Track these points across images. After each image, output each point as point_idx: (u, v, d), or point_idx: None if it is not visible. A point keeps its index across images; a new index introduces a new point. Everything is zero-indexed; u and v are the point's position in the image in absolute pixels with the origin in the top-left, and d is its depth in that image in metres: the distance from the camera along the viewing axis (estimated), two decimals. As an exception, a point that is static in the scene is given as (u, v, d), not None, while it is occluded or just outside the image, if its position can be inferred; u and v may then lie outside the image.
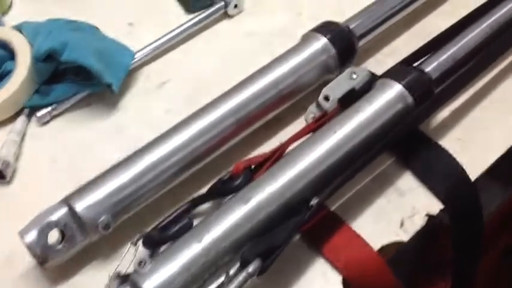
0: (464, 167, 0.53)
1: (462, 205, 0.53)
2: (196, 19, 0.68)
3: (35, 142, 0.58)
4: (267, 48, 0.66)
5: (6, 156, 0.54)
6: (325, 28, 0.60)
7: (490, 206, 0.67)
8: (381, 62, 0.64)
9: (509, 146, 0.56)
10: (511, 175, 0.65)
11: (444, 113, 0.59)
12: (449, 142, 0.56)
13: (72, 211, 0.46)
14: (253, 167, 0.52)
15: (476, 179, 0.54)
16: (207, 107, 0.54)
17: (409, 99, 0.53)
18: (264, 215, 0.46)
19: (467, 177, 0.53)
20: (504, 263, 0.82)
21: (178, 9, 0.71)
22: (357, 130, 0.52)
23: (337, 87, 0.55)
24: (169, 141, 0.52)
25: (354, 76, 0.56)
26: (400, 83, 0.54)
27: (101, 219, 0.46)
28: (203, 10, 0.69)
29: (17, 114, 0.59)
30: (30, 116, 0.59)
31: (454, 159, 0.54)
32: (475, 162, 0.55)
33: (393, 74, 0.55)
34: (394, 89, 0.54)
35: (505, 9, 0.60)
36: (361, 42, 0.62)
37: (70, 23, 0.61)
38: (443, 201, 0.52)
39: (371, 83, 0.56)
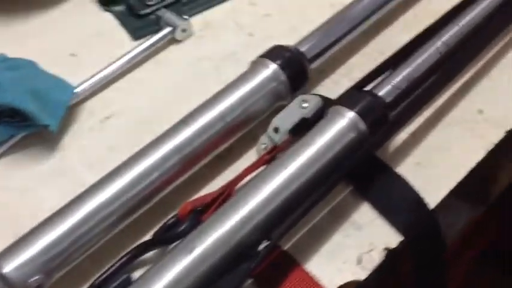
0: (423, 193, 0.51)
1: (422, 236, 0.50)
2: (143, 46, 0.65)
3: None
4: (216, 74, 0.63)
5: None
6: (275, 53, 0.57)
7: (457, 225, 0.64)
8: (337, 82, 0.62)
9: (470, 168, 0.54)
10: (477, 193, 0.62)
11: (402, 136, 0.56)
12: (408, 167, 0.54)
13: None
14: (200, 208, 0.49)
15: (443, 200, 0.52)
16: (148, 145, 0.51)
17: (362, 126, 0.50)
18: (210, 266, 0.43)
19: (425, 206, 0.50)
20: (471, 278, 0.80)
21: (124, 36, 0.67)
22: (309, 164, 0.49)
23: (287, 118, 0.52)
24: (109, 186, 0.48)
25: (305, 105, 0.53)
26: (352, 110, 0.51)
27: (32, 279, 0.43)
28: (149, 36, 0.65)
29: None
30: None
31: (411, 188, 0.51)
32: (435, 186, 0.52)
33: (345, 100, 0.52)
34: (346, 117, 0.51)
35: (460, 25, 0.57)
36: (314, 65, 0.59)
37: (3, 61, 0.58)
38: (402, 233, 0.50)
39: (323, 110, 0.53)
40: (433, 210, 0.50)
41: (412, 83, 0.54)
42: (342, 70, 0.63)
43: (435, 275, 0.53)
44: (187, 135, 0.51)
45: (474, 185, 0.60)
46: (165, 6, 0.68)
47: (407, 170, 0.53)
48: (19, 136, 0.56)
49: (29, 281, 0.43)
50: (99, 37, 0.67)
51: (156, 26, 0.66)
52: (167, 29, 0.65)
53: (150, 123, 0.58)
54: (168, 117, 0.53)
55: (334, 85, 0.61)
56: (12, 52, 0.61)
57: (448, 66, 0.56)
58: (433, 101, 0.56)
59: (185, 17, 0.66)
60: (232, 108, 0.53)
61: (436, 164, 0.54)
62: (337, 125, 0.51)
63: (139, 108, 0.60)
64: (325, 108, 0.53)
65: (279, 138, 0.52)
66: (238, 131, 0.54)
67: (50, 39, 0.67)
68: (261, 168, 0.50)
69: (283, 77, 0.55)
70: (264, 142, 0.53)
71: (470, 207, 0.62)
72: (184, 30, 0.66)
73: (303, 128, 0.52)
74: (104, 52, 0.65)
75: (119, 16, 0.69)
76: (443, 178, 0.53)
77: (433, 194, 0.52)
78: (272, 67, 0.55)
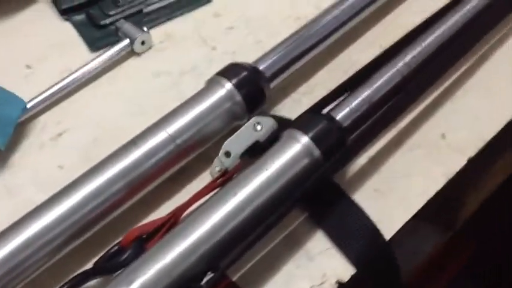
0: (380, 222, 0.49)
1: (375, 268, 0.48)
2: (100, 58, 0.62)
3: None
4: (176, 90, 0.61)
5: None
6: (231, 71, 0.55)
7: (424, 250, 0.63)
8: (299, 101, 0.60)
9: (430, 196, 0.52)
10: (444, 218, 0.61)
11: (361, 160, 0.54)
12: (366, 194, 0.52)
13: None
14: (145, 236, 0.47)
15: (409, 225, 0.50)
16: (94, 168, 0.49)
17: (317, 152, 0.49)
18: (149, 301, 0.41)
19: (380, 237, 0.48)
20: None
21: (83, 48, 0.65)
22: (260, 190, 0.47)
23: (239, 141, 0.50)
24: (50, 210, 0.46)
25: (258, 127, 0.51)
26: (306, 134, 0.49)
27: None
28: (108, 48, 0.63)
29: None
30: None
31: (366, 218, 0.49)
32: (392, 215, 0.51)
33: (300, 123, 0.50)
34: (301, 142, 0.49)
35: (423, 45, 0.56)
36: (275, 83, 0.57)
37: None
38: (355, 265, 0.48)
39: (278, 133, 0.51)
40: (387, 242, 0.48)
41: (372, 106, 0.53)
42: (304, 88, 0.61)
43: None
44: (135, 157, 0.49)
45: (441, 210, 0.59)
46: (126, 17, 0.66)
47: (365, 196, 0.52)
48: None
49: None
50: (56, 48, 0.65)
51: (115, 37, 0.64)
52: (125, 41, 0.63)
53: (104, 141, 0.56)
54: (123, 135, 0.51)
55: (295, 104, 0.59)
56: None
57: (410, 88, 0.54)
58: (394, 124, 0.54)
59: (145, 28, 0.64)
60: (184, 130, 0.51)
61: (395, 191, 0.52)
62: (291, 150, 0.49)
63: (93, 125, 0.58)
64: (281, 130, 0.51)
65: (230, 162, 0.50)
66: (190, 153, 0.52)
67: (5, 49, 0.64)
68: (211, 194, 0.48)
69: (238, 97, 0.53)
70: (217, 165, 0.51)
71: (437, 232, 0.61)
72: (143, 43, 0.63)
73: (257, 152, 0.50)
74: (60, 64, 0.62)
75: (78, 26, 0.67)
76: (401, 206, 0.51)
77: (390, 223, 0.50)
78: (227, 86, 0.53)
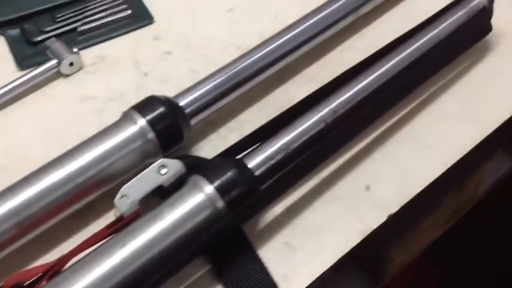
0: (284, 279, 0.47)
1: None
2: (24, 78, 0.60)
3: None
4: (98, 117, 0.58)
5: None
6: (148, 106, 0.52)
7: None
8: (225, 137, 0.57)
9: (344, 253, 0.49)
10: (370, 272, 0.58)
11: (277, 209, 0.51)
12: (275, 246, 0.49)
13: None
14: (28, 283, 0.44)
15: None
16: (-16, 205, 0.46)
17: (220, 204, 0.46)
18: None
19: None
20: None
21: (11, 65, 0.62)
22: (152, 242, 0.44)
23: (140, 185, 0.47)
24: None
25: (163, 171, 0.48)
26: (211, 183, 0.46)
27: None
28: (35, 67, 0.60)
29: None
30: None
31: (267, 274, 0.46)
32: (300, 272, 0.48)
33: (207, 170, 0.47)
34: (204, 192, 0.46)
35: (352, 92, 0.52)
36: (195, 120, 0.54)
37: None
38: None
39: (186, 177, 0.48)
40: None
41: (289, 154, 0.49)
42: (232, 124, 0.58)
43: None
44: (27, 196, 0.46)
45: (366, 264, 0.56)
46: (60, 35, 0.63)
47: (274, 249, 0.49)
48: None
49: None
50: (-16, 64, 0.62)
51: (43, 56, 0.61)
52: (53, 61, 0.60)
53: (10, 171, 0.53)
54: (31, 166, 0.48)
55: (221, 141, 0.56)
56: None
57: (334, 136, 0.51)
58: (315, 173, 0.51)
59: (75, 49, 0.61)
60: (85, 169, 0.48)
61: (307, 246, 0.49)
62: (192, 199, 0.46)
63: (5, 151, 0.55)
64: (190, 174, 0.48)
65: (127, 208, 0.47)
66: (93, 192, 0.50)
67: None
68: (103, 241, 0.45)
69: (151, 134, 0.50)
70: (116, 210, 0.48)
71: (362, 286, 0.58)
72: (71, 64, 0.61)
73: (164, 196, 0.47)
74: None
75: (11, 41, 0.64)
76: (311, 263, 0.48)
77: (296, 280, 0.47)
78: (140, 123, 0.50)
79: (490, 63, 0.61)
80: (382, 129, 0.55)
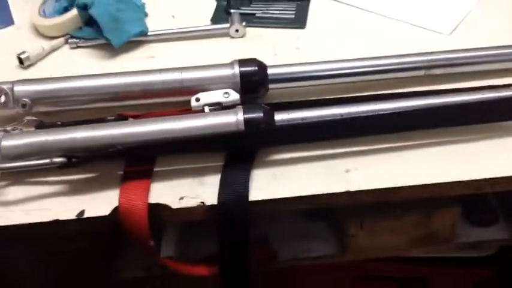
0: (257, 188, 0.71)
1: None
2: (210, 27, 0.94)
3: (59, 55, 0.91)
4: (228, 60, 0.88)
5: (31, 53, 0.88)
6: (246, 62, 0.79)
7: None
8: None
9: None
10: None
11: (275, 157, 0.75)
12: (266, 174, 0.73)
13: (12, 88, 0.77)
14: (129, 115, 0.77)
15: None
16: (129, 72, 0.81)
17: (242, 127, 0.71)
18: None
19: None
20: None
21: (208, 18, 0.97)
22: (191, 128, 0.72)
23: (209, 96, 0.76)
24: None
25: (226, 95, 0.76)
26: (243, 114, 0.72)
27: (24, 98, 0.77)
28: (217, 24, 0.94)
29: (62, 36, 0.93)
30: (67, 41, 0.93)
31: (246, 181, 0.70)
32: (269, 190, 0.70)
33: (248, 107, 0.73)
34: (237, 117, 0.72)
35: (359, 108, 0.74)
36: (272, 85, 0.81)
37: None
38: None
39: (234, 106, 0.75)
40: None
41: (300, 124, 0.73)
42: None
43: None
44: (156, 77, 0.79)
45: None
46: (245, 14, 0.96)
47: (264, 175, 0.73)
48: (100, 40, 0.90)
49: (24, 98, 0.77)
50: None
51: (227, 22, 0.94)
52: (226, 25, 0.93)
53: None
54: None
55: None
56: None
57: (334, 127, 0.73)
58: (309, 146, 0.74)
59: (243, 23, 0.93)
60: (194, 79, 0.79)
61: (285, 180, 0.73)
62: (227, 117, 0.72)
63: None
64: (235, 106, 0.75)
65: (195, 105, 0.76)
66: (189, 94, 0.79)
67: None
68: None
69: (237, 79, 0.78)
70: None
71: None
72: (236, 31, 0.93)
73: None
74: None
75: (218, 6, 0.99)
76: (280, 189, 0.71)
77: (262, 193, 0.71)
78: (235, 70, 0.78)
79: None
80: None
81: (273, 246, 0.86)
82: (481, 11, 0.98)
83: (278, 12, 0.96)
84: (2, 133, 0.72)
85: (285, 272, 0.96)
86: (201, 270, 0.75)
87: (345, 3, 1.00)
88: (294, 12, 0.96)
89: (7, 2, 0.97)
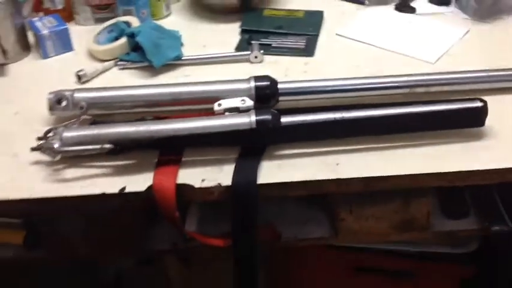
0: (266, 175, 0.88)
1: None
2: (234, 53, 1.13)
3: (109, 75, 1.12)
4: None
5: (87, 71, 1.08)
6: (261, 78, 0.97)
7: None
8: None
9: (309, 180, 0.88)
10: None
11: (281, 153, 0.93)
12: (272, 164, 0.91)
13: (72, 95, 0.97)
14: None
15: None
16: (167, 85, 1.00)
17: (254, 126, 0.89)
18: None
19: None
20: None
21: (233, 47, 1.17)
22: (210, 126, 0.91)
23: (229, 102, 0.94)
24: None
25: (242, 102, 0.94)
26: (256, 117, 0.90)
27: (83, 102, 0.96)
28: (240, 52, 1.13)
29: (112, 59, 1.14)
30: (117, 63, 1.13)
31: (256, 168, 0.88)
32: (276, 176, 0.88)
33: (259, 110, 0.92)
34: (250, 119, 0.90)
35: (353, 114, 0.91)
36: (282, 98, 0.99)
37: (160, 27, 1.13)
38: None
39: (248, 110, 0.93)
40: None
41: (303, 124, 0.91)
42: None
43: None
44: (184, 89, 0.98)
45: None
46: (262, 44, 1.15)
47: (271, 164, 0.90)
48: (144, 63, 1.11)
49: (82, 102, 0.96)
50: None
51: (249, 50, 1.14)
52: (247, 52, 1.12)
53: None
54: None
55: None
56: None
57: (329, 128, 0.90)
58: (309, 144, 0.91)
59: (261, 51, 1.12)
60: (215, 91, 0.98)
61: (288, 168, 0.90)
62: (242, 119, 0.90)
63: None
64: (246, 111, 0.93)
65: (217, 109, 0.94)
66: (210, 102, 0.97)
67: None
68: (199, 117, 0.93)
69: (253, 91, 0.96)
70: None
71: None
72: (256, 57, 1.12)
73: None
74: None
75: (242, 39, 1.19)
76: (284, 176, 0.88)
77: (269, 179, 0.89)
78: (251, 84, 0.96)
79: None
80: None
81: (277, 228, 1.02)
82: (462, 44, 1.16)
83: (291, 43, 1.15)
84: (63, 127, 0.91)
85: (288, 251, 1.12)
86: (218, 242, 0.92)
87: (348, 38, 1.18)
88: (304, 43, 1.15)
89: (68, 32, 1.18)
